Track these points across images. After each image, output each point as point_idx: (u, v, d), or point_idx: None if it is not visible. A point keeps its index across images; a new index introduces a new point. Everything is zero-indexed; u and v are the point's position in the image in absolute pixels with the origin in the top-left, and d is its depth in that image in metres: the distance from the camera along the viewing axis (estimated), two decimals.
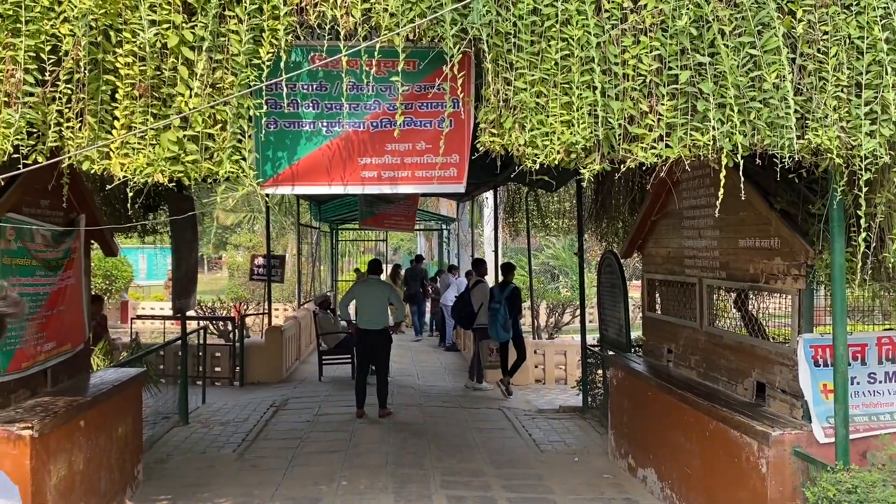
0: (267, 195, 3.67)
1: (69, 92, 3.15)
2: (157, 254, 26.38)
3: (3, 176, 2.88)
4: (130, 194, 3.23)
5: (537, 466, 7.24)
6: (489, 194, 13.31)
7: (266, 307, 12.88)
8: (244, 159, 3.27)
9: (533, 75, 3.33)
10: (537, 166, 3.34)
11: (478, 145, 3.42)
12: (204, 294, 20.98)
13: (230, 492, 6.31)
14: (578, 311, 17.37)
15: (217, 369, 11.95)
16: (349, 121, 3.66)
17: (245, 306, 16.90)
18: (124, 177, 3.21)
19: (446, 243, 21.81)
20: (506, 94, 3.34)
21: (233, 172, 3.25)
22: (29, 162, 3.16)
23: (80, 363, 6.12)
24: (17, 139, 3.10)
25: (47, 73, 3.14)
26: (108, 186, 3.61)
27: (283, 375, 12.30)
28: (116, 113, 3.20)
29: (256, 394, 10.94)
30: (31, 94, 3.11)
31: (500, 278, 10.91)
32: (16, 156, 3.15)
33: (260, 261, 13.36)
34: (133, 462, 6.29)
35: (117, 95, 3.20)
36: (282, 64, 3.25)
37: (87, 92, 3.16)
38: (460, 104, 3.56)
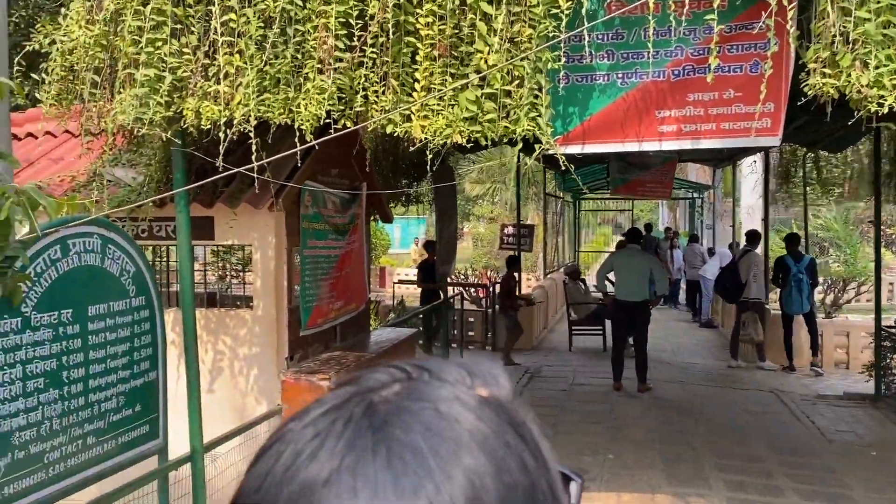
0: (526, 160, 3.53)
1: (374, 56, 3.22)
2: (409, 224, 27.97)
3: (317, 141, 3.02)
4: (430, 156, 3.24)
5: (826, 457, 6.48)
6: (756, 157, 12.15)
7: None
8: (540, 116, 3.13)
9: (879, 2, 2.80)
10: (885, 110, 2.81)
11: (805, 89, 2.96)
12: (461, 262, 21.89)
13: None
14: (862, 289, 15.52)
15: (470, 333, 12.33)
16: (647, 70, 3.37)
17: (496, 274, 17.26)
18: (424, 139, 3.23)
19: (699, 213, 20.49)
20: (843, 27, 2.84)
21: (529, 130, 3.13)
22: (339, 126, 3.29)
23: (362, 322, 6.54)
24: (329, 105, 3.24)
25: (355, 39, 3.22)
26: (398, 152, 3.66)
27: (534, 343, 12.37)
28: (417, 75, 3.22)
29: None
30: (341, 60, 3.20)
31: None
32: (327, 121, 3.29)
33: (510, 230, 13.50)
34: None
35: (417, 57, 3.21)
36: (583, 11, 3.05)
37: (390, 55, 3.21)
38: (781, 43, 3.11)
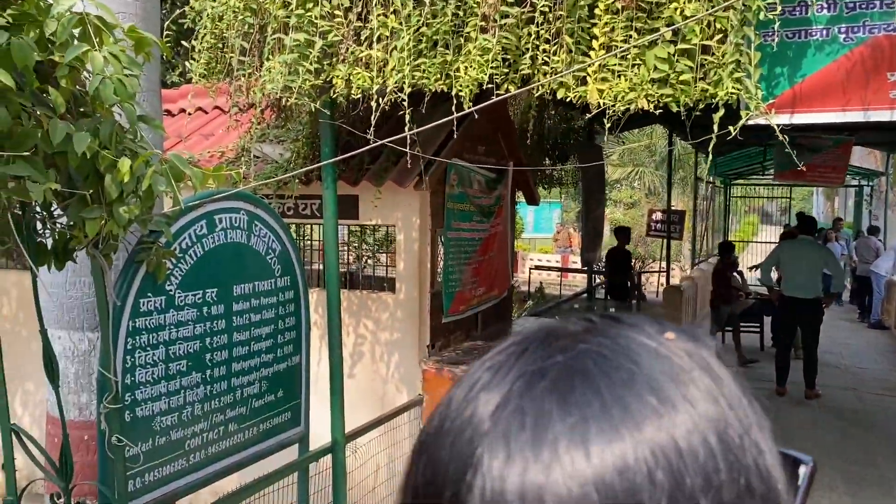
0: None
1: (546, 10, 2.80)
2: (543, 208, 27.35)
3: (476, 108, 2.64)
4: (607, 125, 2.78)
5: None
6: None
7: (665, 265, 12.18)
8: (749, 77, 2.60)
9: None
10: None
11: None
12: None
13: None
14: None
15: None
16: (881, 22, 2.75)
17: (640, 263, 16.43)
18: (601, 104, 2.78)
19: (867, 202, 18.58)
20: None
21: (734, 93, 2.61)
22: (501, 92, 2.90)
23: (504, 310, 6.18)
24: (492, 68, 2.86)
25: None
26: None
27: None
28: (595, 31, 2.77)
29: None
30: (507, 16, 2.81)
31: None
32: (489, 85, 2.92)
33: (658, 216, 12.68)
34: None
35: (596, 10, 2.76)
36: None
37: (564, 8, 2.78)
38: None
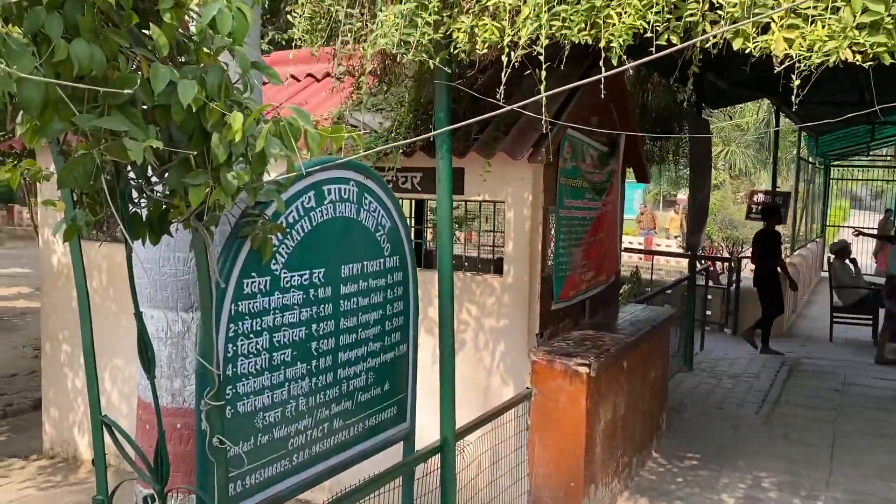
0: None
1: None
2: (627, 189, 26.37)
3: (633, 64, 2.18)
4: (797, 82, 2.29)
5: None
6: None
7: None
8: None
9: None
10: None
11: None
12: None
13: (767, 465, 5.33)
14: None
15: (707, 313, 11.02)
16: None
17: (740, 248, 15.55)
18: (787, 56, 2.28)
19: None
20: None
21: None
22: (661, 43, 2.43)
23: (611, 296, 5.71)
24: (654, 13, 2.39)
25: None
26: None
27: (783, 329, 10.80)
28: None
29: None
30: None
31: None
32: (649, 35, 2.45)
33: (760, 197, 11.85)
34: (660, 410, 5.73)
35: None
36: None
37: None
38: None
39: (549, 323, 4.46)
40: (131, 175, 1.93)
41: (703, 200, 8.12)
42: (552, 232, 4.45)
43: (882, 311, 9.88)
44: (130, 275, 2.15)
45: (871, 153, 18.44)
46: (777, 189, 11.91)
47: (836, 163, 19.83)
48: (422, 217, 5.82)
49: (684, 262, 16.85)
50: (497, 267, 4.45)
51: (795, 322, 11.70)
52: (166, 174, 1.83)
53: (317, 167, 2.49)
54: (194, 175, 1.76)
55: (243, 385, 2.33)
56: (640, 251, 15.25)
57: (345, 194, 2.69)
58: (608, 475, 4.54)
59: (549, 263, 4.44)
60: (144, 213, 2.02)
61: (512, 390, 4.26)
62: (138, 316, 2.18)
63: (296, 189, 2.44)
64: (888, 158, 18.36)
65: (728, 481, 5.06)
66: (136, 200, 2.00)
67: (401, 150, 4.14)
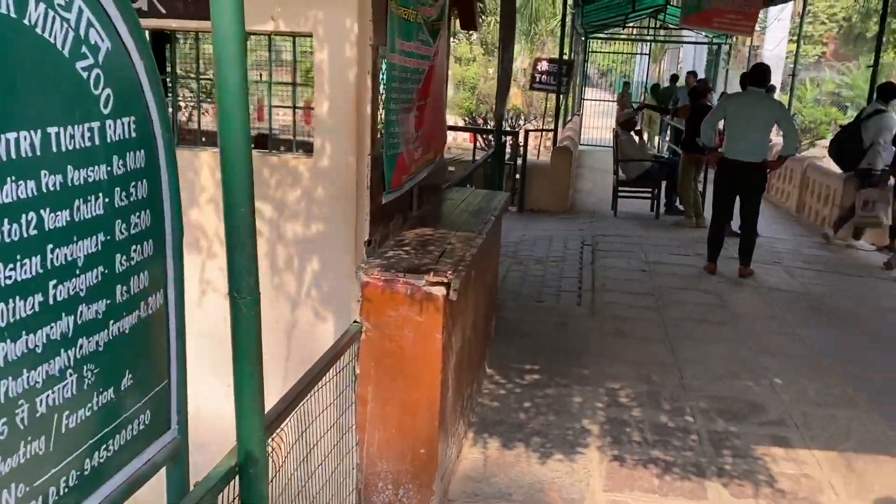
0: None
1: None
2: None
3: None
4: None
5: None
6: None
7: (553, 123, 10.71)
8: None
9: None
10: None
11: None
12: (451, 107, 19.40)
13: (615, 372, 4.57)
14: None
15: None
16: None
17: (523, 120, 14.93)
18: None
19: (724, 61, 18.17)
20: None
21: None
22: None
23: (438, 179, 4.41)
24: None
25: None
26: None
27: (567, 204, 10.44)
28: None
29: (546, 224, 9.21)
30: None
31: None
32: None
33: (545, 66, 11.10)
34: (492, 316, 4.69)
35: None
36: None
37: None
38: None
39: (379, 224, 3.05)
40: None
41: (507, 62, 7.01)
42: (382, 88, 2.97)
43: (664, 184, 9.82)
44: None
45: (627, 24, 18.75)
46: (564, 57, 11.22)
47: (593, 35, 19.99)
48: (163, 64, 3.84)
49: (460, 138, 16.05)
50: (304, 144, 2.90)
51: (575, 198, 11.42)
52: None
53: None
54: None
55: None
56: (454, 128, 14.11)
57: None
58: (456, 421, 3.41)
59: (380, 136, 2.98)
60: None
61: (332, 329, 2.86)
62: None
63: None
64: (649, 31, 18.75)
65: (581, 399, 4.20)
66: None
67: None
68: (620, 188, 9.97)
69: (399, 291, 2.78)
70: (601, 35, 20.18)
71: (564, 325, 5.46)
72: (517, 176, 10.09)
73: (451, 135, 18.72)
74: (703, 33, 17.80)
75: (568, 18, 14.82)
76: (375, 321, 2.81)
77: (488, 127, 15.14)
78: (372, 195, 2.89)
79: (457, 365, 3.24)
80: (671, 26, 17.97)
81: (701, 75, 15.62)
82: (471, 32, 29.60)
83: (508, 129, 11.49)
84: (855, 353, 5.16)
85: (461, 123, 18.34)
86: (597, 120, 19.29)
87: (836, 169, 9.27)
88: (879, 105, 7.95)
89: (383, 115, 2.97)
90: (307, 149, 2.80)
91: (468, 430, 3.76)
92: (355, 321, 2.81)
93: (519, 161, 9.99)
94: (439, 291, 2.77)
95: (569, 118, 14.36)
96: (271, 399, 2.30)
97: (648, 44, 20.96)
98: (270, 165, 2.80)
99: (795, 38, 15.50)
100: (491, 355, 4.68)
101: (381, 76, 2.93)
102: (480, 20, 6.56)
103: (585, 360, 4.75)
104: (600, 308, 5.86)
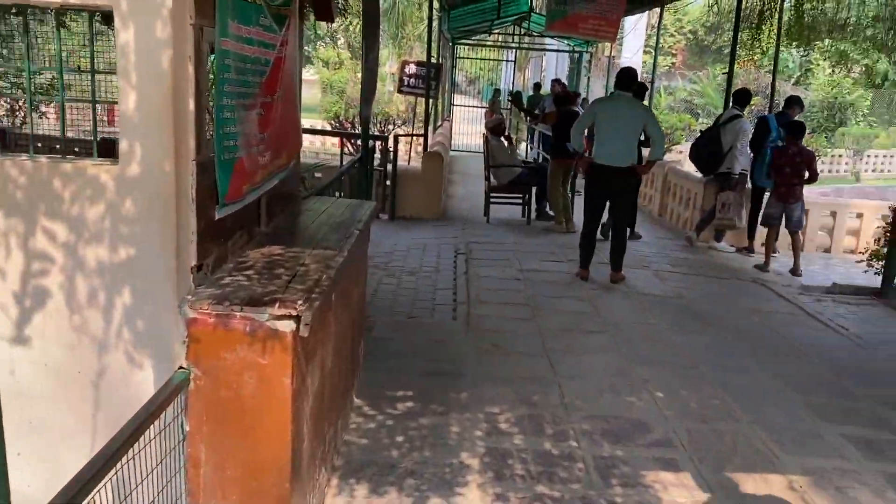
0: None
1: None
2: None
3: None
4: None
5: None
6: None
7: (423, 127, 10.34)
8: None
9: None
10: None
11: None
12: (309, 112, 18.69)
13: (494, 395, 4.22)
14: None
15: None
16: None
17: (392, 125, 14.45)
18: None
19: (586, 69, 18.59)
20: None
21: None
22: None
23: (292, 187, 3.88)
24: None
25: None
26: None
27: (439, 210, 10.13)
28: None
29: (418, 232, 8.85)
30: None
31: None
32: None
33: (413, 69, 10.73)
34: (360, 340, 4.22)
35: None
36: None
37: None
38: None
39: (213, 243, 2.51)
40: None
41: (373, 63, 6.56)
42: (211, 78, 2.43)
43: (535, 190, 9.71)
44: None
45: (493, 31, 18.79)
46: (432, 60, 10.88)
47: (461, 40, 19.91)
48: None
49: (329, 142, 15.41)
50: (106, 147, 2.31)
51: (447, 204, 11.14)
52: None
53: None
54: None
55: None
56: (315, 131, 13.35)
57: None
58: (315, 471, 2.92)
59: (209, 137, 2.44)
60: None
61: (152, 378, 2.29)
62: None
63: None
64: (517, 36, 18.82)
65: (459, 429, 3.81)
66: None
67: None
68: (492, 194, 9.77)
69: (236, 329, 2.26)
70: (469, 41, 20.14)
71: (439, 343, 5.07)
72: (387, 182, 9.67)
73: (319, 139, 18.16)
74: (566, 41, 18.19)
75: (435, 23, 14.60)
76: (207, 366, 2.27)
77: (356, 131, 14.63)
78: (200, 209, 2.35)
79: (315, 408, 2.75)
80: (534, 34, 18.18)
81: (564, 83, 15.86)
82: (338, 36, 28.90)
83: (377, 133, 11.04)
84: (727, 358, 5.11)
85: (328, 127, 17.74)
86: (467, 126, 19.30)
87: (696, 173, 9.52)
88: (736, 110, 8.17)
89: (214, 112, 2.43)
90: (111, 152, 2.22)
91: (332, 477, 3.27)
92: (181, 367, 2.26)
93: (389, 167, 9.58)
94: (287, 327, 2.27)
95: (438, 123, 14.11)
96: (75, 470, 1.76)
97: (514, 51, 21.15)
98: (63, 175, 2.20)
99: (650, 48, 16.11)
100: (360, 383, 4.20)
101: (208, 64, 2.40)
102: (338, 11, 6.07)
103: (462, 383, 4.37)
104: (476, 322, 5.53)
